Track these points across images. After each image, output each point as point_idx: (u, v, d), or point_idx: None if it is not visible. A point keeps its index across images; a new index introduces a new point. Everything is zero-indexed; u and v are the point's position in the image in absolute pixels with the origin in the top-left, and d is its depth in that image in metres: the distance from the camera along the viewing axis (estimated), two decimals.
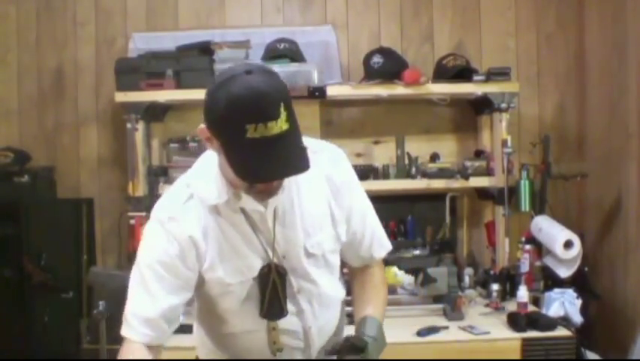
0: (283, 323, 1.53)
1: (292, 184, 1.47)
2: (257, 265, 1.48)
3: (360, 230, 1.63)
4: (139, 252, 1.49)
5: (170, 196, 1.51)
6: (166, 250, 1.43)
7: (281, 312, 1.50)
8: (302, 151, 1.32)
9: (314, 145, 1.51)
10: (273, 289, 1.48)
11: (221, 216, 1.45)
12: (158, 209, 1.49)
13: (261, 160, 1.28)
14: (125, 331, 1.45)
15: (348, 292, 1.70)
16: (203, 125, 1.37)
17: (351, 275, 1.73)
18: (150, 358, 1.44)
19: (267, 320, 1.51)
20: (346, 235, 1.60)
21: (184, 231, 1.43)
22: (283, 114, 1.27)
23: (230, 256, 1.47)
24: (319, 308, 1.57)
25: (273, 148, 1.27)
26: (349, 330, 1.61)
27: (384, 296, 1.69)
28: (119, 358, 1.44)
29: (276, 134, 1.26)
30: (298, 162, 1.31)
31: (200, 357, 1.70)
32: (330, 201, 1.55)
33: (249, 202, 1.42)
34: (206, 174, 1.47)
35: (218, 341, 1.61)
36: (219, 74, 1.40)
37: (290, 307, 1.53)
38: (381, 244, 1.69)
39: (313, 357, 1.60)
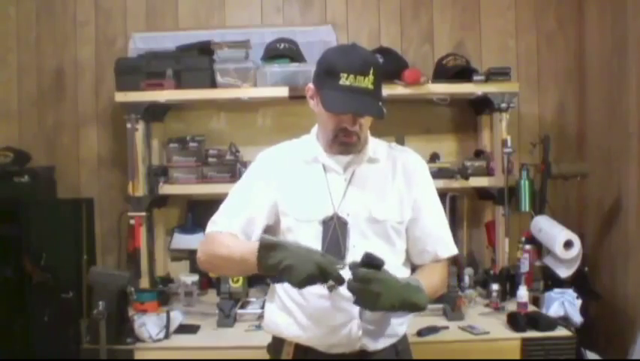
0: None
1: (372, 163, 1.80)
2: (323, 211, 1.75)
3: (429, 225, 1.84)
4: (239, 181, 1.89)
5: (279, 144, 1.90)
6: (256, 172, 1.85)
7: (339, 255, 1.69)
8: (380, 107, 1.68)
9: (405, 148, 1.93)
10: (333, 234, 1.72)
11: (307, 165, 1.81)
12: (265, 152, 1.89)
13: (346, 99, 1.64)
14: (209, 228, 1.81)
15: None
16: (310, 84, 1.77)
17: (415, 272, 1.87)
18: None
19: None
20: (412, 225, 1.81)
21: (275, 163, 1.83)
22: (372, 77, 1.65)
23: (304, 198, 1.77)
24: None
25: (358, 95, 1.64)
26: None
27: (438, 283, 1.81)
28: (213, 245, 1.75)
29: (362, 87, 1.64)
30: (374, 109, 1.68)
31: (278, 324, 1.81)
32: (400, 185, 1.81)
33: (332, 163, 1.78)
34: (308, 136, 1.87)
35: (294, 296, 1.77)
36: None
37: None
38: (447, 245, 1.87)
39: (370, 328, 1.73)
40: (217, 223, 1.81)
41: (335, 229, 1.73)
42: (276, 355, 1.81)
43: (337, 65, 1.66)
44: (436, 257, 1.84)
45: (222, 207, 1.84)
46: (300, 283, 1.54)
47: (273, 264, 1.57)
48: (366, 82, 1.64)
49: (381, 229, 1.76)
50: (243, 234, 1.78)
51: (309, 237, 1.73)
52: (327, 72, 1.67)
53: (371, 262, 1.57)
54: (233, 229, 1.78)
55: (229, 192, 1.87)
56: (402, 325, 1.84)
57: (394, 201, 1.79)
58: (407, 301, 1.60)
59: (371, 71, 1.65)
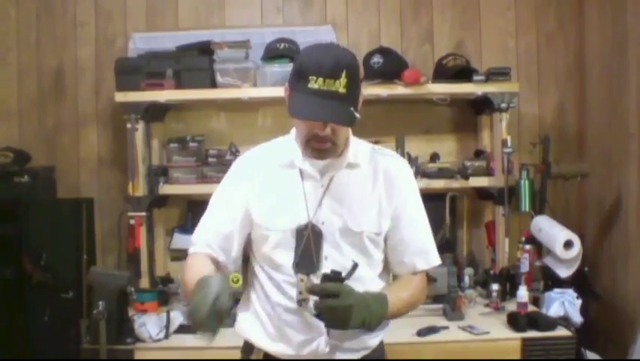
0: (309, 281, 1.64)
1: (351, 168, 1.70)
2: (297, 220, 1.67)
3: (408, 236, 1.74)
4: (215, 192, 1.81)
5: (257, 147, 1.82)
6: (231, 179, 1.78)
7: (311, 266, 1.64)
8: (351, 113, 1.56)
9: (388, 151, 1.83)
10: (306, 244, 1.65)
11: (282, 170, 1.71)
12: (242, 157, 1.82)
13: (313, 105, 1.53)
14: (190, 249, 1.76)
15: None
16: (286, 84, 1.65)
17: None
18: (210, 265, 1.68)
19: (296, 272, 1.65)
20: (391, 235, 1.72)
21: (250, 169, 1.75)
22: (344, 80, 1.53)
23: (277, 205, 1.69)
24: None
25: (326, 100, 1.52)
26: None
27: (409, 297, 1.73)
28: (185, 271, 1.70)
29: (332, 91, 1.53)
30: (343, 116, 1.55)
31: (246, 331, 1.80)
32: (381, 193, 1.71)
33: (309, 168, 1.68)
34: (287, 139, 1.77)
35: (263, 295, 1.75)
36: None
37: None
38: (426, 257, 1.78)
39: (342, 344, 1.69)
40: (195, 244, 1.76)
41: (309, 239, 1.65)
42: (247, 357, 1.79)
43: (307, 66, 1.55)
44: (413, 269, 1.75)
45: (201, 221, 1.78)
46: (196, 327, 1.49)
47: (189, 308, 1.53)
48: (337, 85, 1.53)
49: (356, 240, 1.68)
50: (221, 250, 1.73)
51: (281, 247, 1.68)
52: (298, 74, 1.56)
53: (333, 278, 1.53)
54: (210, 249, 1.73)
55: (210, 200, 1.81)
56: (376, 337, 1.76)
57: (373, 210, 1.70)
58: (376, 314, 1.56)
59: (343, 74, 1.53)
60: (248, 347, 1.80)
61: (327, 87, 1.52)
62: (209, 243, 1.73)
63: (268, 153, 1.78)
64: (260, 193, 1.72)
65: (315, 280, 1.61)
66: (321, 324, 1.58)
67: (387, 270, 1.80)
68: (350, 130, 1.72)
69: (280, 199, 1.70)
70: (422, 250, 1.77)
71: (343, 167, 1.70)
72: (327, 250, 1.66)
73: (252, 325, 1.77)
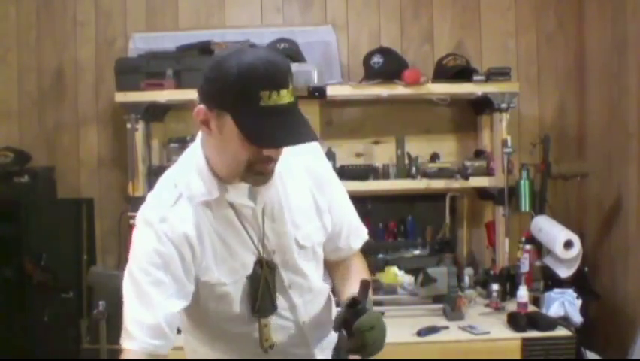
0: (275, 320, 1.52)
1: (277, 180, 1.46)
2: (250, 262, 1.47)
3: (339, 221, 1.62)
4: (131, 258, 1.42)
5: (158, 197, 1.45)
6: (160, 253, 1.37)
7: (272, 307, 1.50)
8: (308, 123, 1.36)
9: (297, 149, 1.46)
10: (264, 285, 1.47)
11: (212, 214, 1.43)
12: (147, 211, 1.43)
13: (275, 127, 1.29)
14: (126, 343, 1.38)
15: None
16: (201, 106, 1.35)
17: (332, 269, 1.70)
18: None
19: (259, 317, 1.49)
20: (331, 224, 1.59)
21: (177, 231, 1.39)
22: (290, 86, 1.32)
23: (224, 256, 1.45)
24: (311, 302, 1.58)
25: (285, 116, 1.30)
26: None
27: (366, 272, 1.67)
28: None
29: (286, 103, 1.30)
30: (308, 132, 1.34)
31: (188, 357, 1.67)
32: (313, 191, 1.55)
33: (239, 197, 1.43)
34: (192, 171, 1.44)
35: (208, 342, 1.60)
36: (216, 54, 1.41)
37: (282, 302, 1.53)
38: (358, 234, 1.68)
39: (313, 351, 1.60)
40: (133, 337, 1.38)
41: (265, 277, 1.47)
42: None
43: (253, 81, 1.27)
44: (350, 251, 1.66)
45: (133, 309, 1.39)
46: None
47: None
48: (288, 95, 1.30)
49: (310, 253, 1.56)
50: (169, 328, 1.41)
51: (237, 297, 1.48)
52: (240, 92, 1.28)
53: (353, 305, 1.44)
54: (154, 343, 1.40)
55: (127, 276, 1.41)
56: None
57: (314, 215, 1.56)
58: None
59: (289, 79, 1.32)
60: None
61: (281, 101, 1.29)
62: (149, 340, 1.39)
63: (184, 200, 1.42)
64: (201, 249, 1.42)
65: (278, 320, 1.52)
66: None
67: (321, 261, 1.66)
68: None
69: (223, 247, 1.45)
70: (354, 229, 1.67)
71: (273, 184, 1.46)
72: (287, 278, 1.51)
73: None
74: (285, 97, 1.29)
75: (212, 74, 1.32)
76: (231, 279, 1.46)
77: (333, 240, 1.63)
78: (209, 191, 1.42)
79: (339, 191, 1.64)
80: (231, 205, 1.44)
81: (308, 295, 1.57)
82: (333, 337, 1.67)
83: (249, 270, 1.46)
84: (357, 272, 1.64)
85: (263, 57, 1.31)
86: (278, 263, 1.50)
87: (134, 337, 1.37)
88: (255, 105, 1.28)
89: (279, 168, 1.44)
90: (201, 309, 1.50)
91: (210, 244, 1.43)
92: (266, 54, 1.33)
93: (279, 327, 1.53)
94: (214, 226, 1.43)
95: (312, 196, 1.55)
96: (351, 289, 1.53)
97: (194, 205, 1.42)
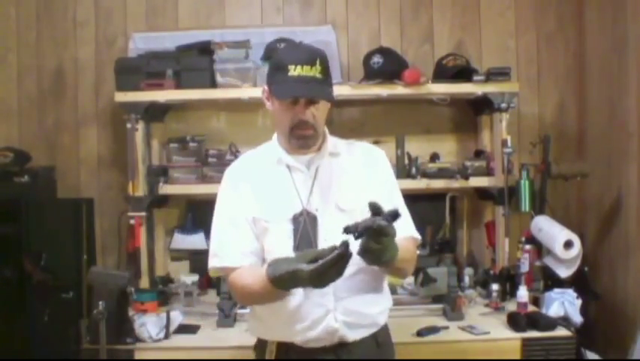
0: None
1: (333, 158, 1.87)
2: (292, 210, 1.79)
3: (401, 208, 1.79)
4: (217, 205, 1.89)
5: (243, 156, 1.99)
6: (228, 192, 1.87)
7: (310, 248, 1.72)
8: (330, 91, 1.78)
9: (362, 143, 2.01)
10: (304, 230, 1.77)
11: (272, 169, 1.85)
12: (231, 166, 1.94)
13: (296, 87, 1.72)
14: (222, 262, 1.83)
15: None
16: (264, 86, 1.84)
17: None
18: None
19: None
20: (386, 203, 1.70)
21: (241, 175, 1.88)
22: (319, 67, 1.74)
23: (272, 199, 1.82)
24: None
25: (307, 83, 1.72)
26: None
27: (411, 256, 1.87)
28: (239, 280, 1.78)
29: (310, 76, 1.73)
30: (324, 93, 1.76)
31: (254, 328, 1.93)
32: (362, 173, 1.88)
33: (295, 162, 1.84)
34: (269, 144, 1.93)
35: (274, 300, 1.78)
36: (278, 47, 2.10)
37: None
38: (413, 231, 1.91)
39: (332, 308, 1.76)
40: (228, 256, 1.83)
41: (305, 225, 1.78)
42: (261, 354, 1.85)
43: (285, 58, 1.75)
44: (406, 232, 1.85)
45: (219, 240, 1.86)
46: (312, 281, 1.57)
47: (283, 280, 1.61)
48: (314, 71, 1.72)
49: (350, 218, 1.70)
50: (256, 257, 1.83)
51: (281, 236, 1.79)
52: (277, 67, 1.76)
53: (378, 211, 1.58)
54: (249, 259, 1.81)
55: (215, 217, 1.89)
56: (381, 313, 1.88)
57: (360, 190, 1.82)
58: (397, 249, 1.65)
59: (318, 62, 1.74)
60: (261, 344, 1.86)
61: (306, 73, 1.72)
62: (241, 260, 1.81)
63: (254, 157, 1.94)
64: (255, 193, 1.83)
65: None
66: (328, 301, 1.75)
67: None
68: (326, 128, 1.89)
69: (273, 194, 1.83)
70: (412, 225, 1.91)
71: (325, 157, 1.86)
72: (324, 233, 1.77)
73: (262, 322, 1.86)
74: (309, 71, 1.72)
75: (269, 61, 1.86)
76: (274, 218, 1.80)
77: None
78: (273, 152, 1.87)
79: (393, 188, 1.93)
80: (288, 167, 1.84)
81: None
82: (371, 313, 1.83)
83: (290, 215, 1.79)
84: (407, 247, 1.82)
85: (301, 45, 1.87)
86: (319, 218, 1.78)
87: (229, 255, 1.82)
88: (285, 75, 1.73)
89: (339, 149, 1.89)
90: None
91: (264, 188, 1.84)
92: (306, 44, 1.87)
93: None
94: (271, 177, 1.85)
95: (360, 176, 1.87)
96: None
97: (261, 161, 1.89)
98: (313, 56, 1.75)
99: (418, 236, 1.93)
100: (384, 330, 1.91)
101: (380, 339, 1.86)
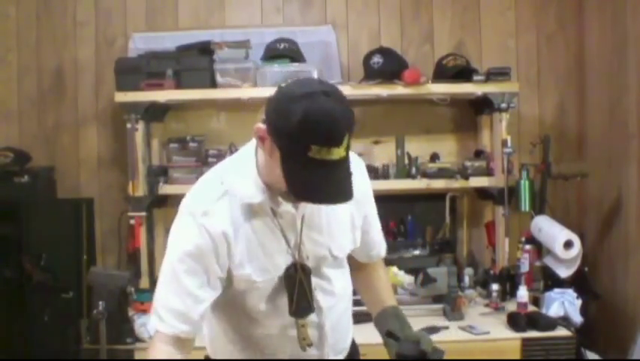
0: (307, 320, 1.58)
1: None
2: (282, 264, 1.52)
3: (375, 234, 1.75)
4: (170, 246, 1.50)
5: (204, 191, 1.51)
6: (198, 245, 1.44)
7: (309, 308, 1.55)
8: (350, 178, 1.39)
9: None
10: (300, 287, 1.53)
11: (252, 214, 1.48)
12: (191, 203, 1.50)
13: (319, 183, 1.34)
14: (158, 325, 1.47)
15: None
16: (262, 125, 1.39)
17: (355, 269, 1.77)
18: (182, 353, 1.48)
19: (296, 318, 1.55)
20: (361, 240, 1.68)
21: (217, 226, 1.45)
22: (345, 143, 1.34)
23: (258, 255, 1.50)
24: (334, 306, 1.63)
25: (330, 172, 1.34)
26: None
27: (390, 284, 1.84)
28: (151, 351, 1.46)
29: (335, 159, 1.33)
30: (349, 190, 1.38)
31: (212, 357, 1.72)
32: (352, 207, 1.59)
33: (283, 205, 1.48)
34: (242, 172, 1.49)
35: (245, 341, 1.62)
36: (292, 85, 1.41)
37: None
38: (382, 243, 1.81)
39: (326, 353, 1.64)
40: (164, 320, 1.46)
41: (301, 281, 1.53)
42: None
43: (308, 135, 1.30)
44: (378, 256, 1.81)
45: (166, 294, 1.47)
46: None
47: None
48: (340, 151, 1.33)
49: (338, 262, 1.64)
50: (197, 316, 1.48)
51: (269, 295, 1.54)
52: (295, 140, 1.31)
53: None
54: (183, 327, 1.47)
55: (165, 268, 1.49)
56: (349, 337, 1.77)
57: (348, 229, 1.63)
58: None
59: (346, 137, 1.34)
60: None
61: (331, 156, 1.32)
62: (177, 324, 1.46)
63: (226, 203, 1.47)
64: (237, 246, 1.48)
65: (315, 318, 1.58)
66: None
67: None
68: None
69: (258, 247, 1.50)
70: (381, 240, 1.80)
71: None
72: (314, 282, 1.56)
73: (233, 346, 1.65)
74: (334, 154, 1.32)
75: (279, 108, 1.35)
76: (263, 278, 1.51)
77: (368, 248, 1.75)
78: (254, 194, 1.47)
79: (372, 208, 1.73)
80: (272, 210, 1.49)
81: (331, 300, 1.62)
82: (347, 342, 1.73)
83: (281, 271, 1.52)
84: (387, 280, 1.81)
85: (329, 112, 1.32)
86: (311, 268, 1.55)
87: (164, 320, 1.46)
88: (303, 155, 1.31)
89: None
90: (239, 304, 1.56)
91: (246, 242, 1.48)
92: (332, 107, 1.33)
93: (310, 323, 1.59)
94: (252, 226, 1.49)
95: (349, 211, 1.61)
96: (387, 298, 1.74)
97: (236, 204, 1.47)
98: (342, 129, 1.33)
99: (384, 252, 1.82)
100: (354, 347, 1.80)
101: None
